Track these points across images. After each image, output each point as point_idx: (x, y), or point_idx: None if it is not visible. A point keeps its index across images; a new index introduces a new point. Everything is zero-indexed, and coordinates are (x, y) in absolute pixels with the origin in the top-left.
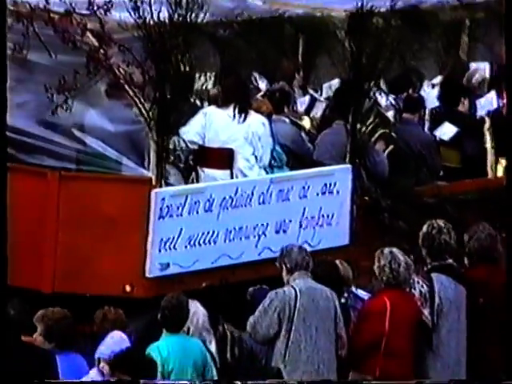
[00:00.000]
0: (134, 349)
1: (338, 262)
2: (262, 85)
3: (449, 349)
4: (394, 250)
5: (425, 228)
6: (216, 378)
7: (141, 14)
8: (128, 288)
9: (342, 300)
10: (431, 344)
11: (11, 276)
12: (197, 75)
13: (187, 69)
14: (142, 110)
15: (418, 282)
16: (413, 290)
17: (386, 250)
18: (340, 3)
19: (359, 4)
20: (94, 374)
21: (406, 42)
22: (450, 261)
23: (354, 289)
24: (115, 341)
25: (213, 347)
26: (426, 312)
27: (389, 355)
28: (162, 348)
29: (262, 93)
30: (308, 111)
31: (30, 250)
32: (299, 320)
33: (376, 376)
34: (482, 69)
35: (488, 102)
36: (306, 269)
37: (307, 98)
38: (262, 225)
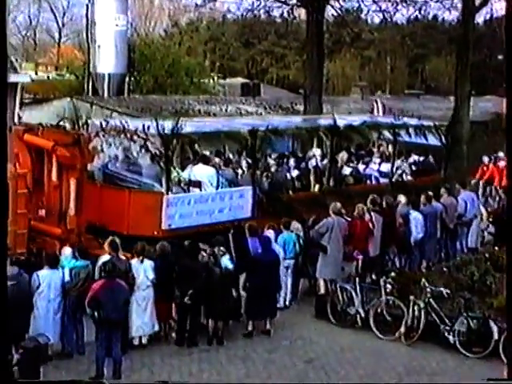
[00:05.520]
0: None
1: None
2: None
3: (377, 233)
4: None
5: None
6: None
7: (160, 130)
8: (155, 233)
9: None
10: (373, 235)
11: (115, 227)
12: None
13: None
14: (162, 166)
15: (369, 215)
16: (367, 217)
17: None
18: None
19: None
20: None
21: None
22: (377, 208)
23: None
24: None
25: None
26: (371, 225)
27: (357, 240)
28: None
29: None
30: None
31: (117, 218)
32: (334, 229)
33: (351, 250)
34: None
35: (312, 162)
36: (340, 212)
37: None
38: (213, 210)
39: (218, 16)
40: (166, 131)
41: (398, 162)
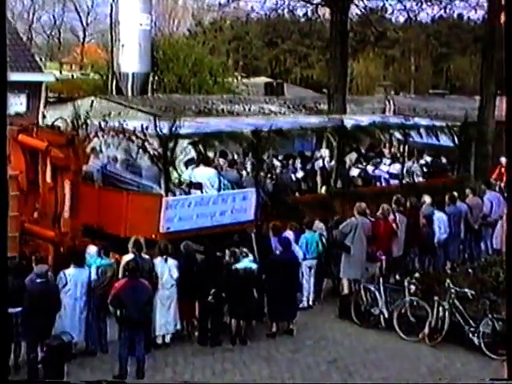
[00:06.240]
0: None
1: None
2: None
3: (401, 234)
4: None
5: (394, 197)
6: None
7: (158, 130)
8: (153, 236)
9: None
10: (396, 235)
11: (113, 229)
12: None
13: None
14: (160, 167)
15: (393, 215)
16: (391, 217)
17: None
18: None
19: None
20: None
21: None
22: (401, 208)
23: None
24: None
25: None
26: (395, 226)
27: (381, 240)
28: None
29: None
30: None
31: (115, 220)
32: (358, 230)
33: (375, 250)
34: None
35: (319, 163)
36: (364, 212)
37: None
38: (215, 212)
39: (241, 15)
40: (164, 131)
41: (408, 163)
